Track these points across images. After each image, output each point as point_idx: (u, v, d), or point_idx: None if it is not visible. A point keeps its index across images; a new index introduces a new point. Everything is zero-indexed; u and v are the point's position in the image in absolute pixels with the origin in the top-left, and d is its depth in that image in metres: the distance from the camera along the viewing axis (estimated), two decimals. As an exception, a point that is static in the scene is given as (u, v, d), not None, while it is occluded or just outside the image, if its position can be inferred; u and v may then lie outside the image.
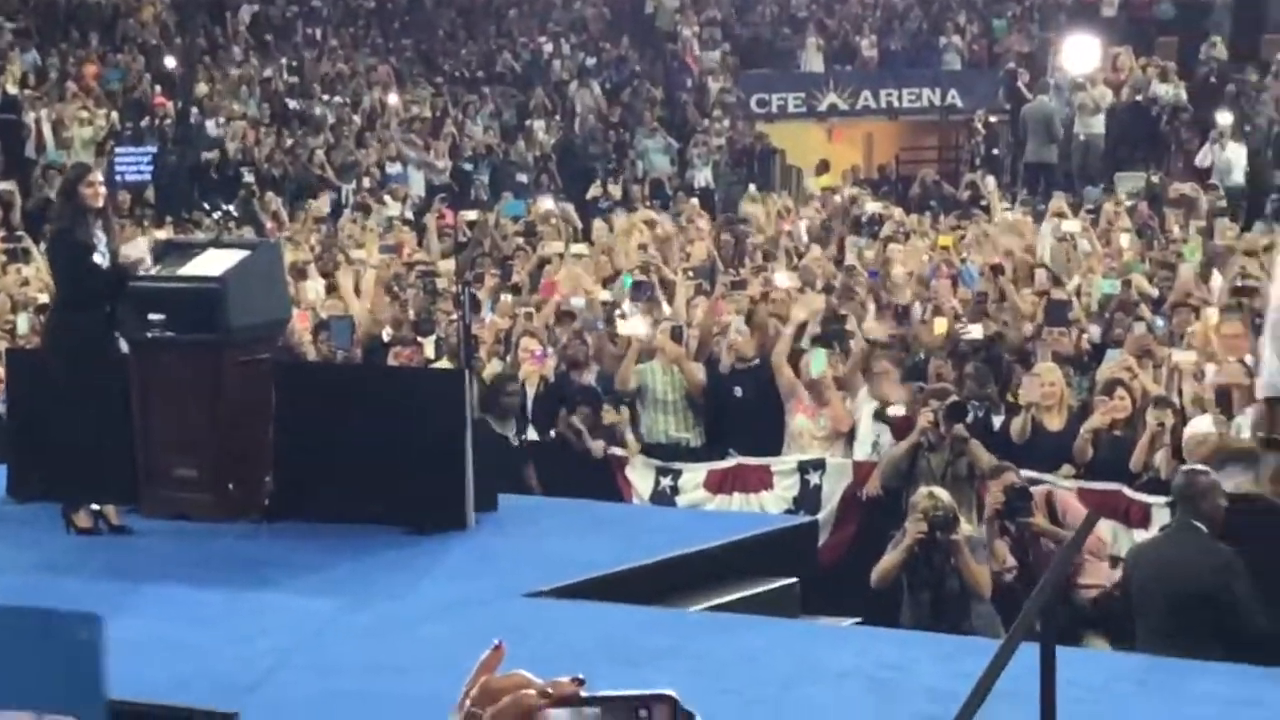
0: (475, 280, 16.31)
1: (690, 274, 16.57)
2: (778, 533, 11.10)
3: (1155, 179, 23.14)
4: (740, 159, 28.13)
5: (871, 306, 14.92)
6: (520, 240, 19.42)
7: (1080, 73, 26.58)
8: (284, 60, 30.65)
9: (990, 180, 24.21)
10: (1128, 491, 11.28)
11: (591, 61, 31.33)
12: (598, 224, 21.04)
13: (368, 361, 13.94)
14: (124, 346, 10.60)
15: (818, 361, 12.94)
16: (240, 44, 31.22)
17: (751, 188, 24.49)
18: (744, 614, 9.70)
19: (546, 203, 21.71)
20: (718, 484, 12.76)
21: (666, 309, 15.17)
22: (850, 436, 12.81)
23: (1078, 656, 7.72)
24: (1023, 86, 27.46)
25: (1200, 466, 9.81)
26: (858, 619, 10.24)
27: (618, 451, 13.05)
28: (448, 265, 17.44)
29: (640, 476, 12.83)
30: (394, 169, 26.32)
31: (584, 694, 1.98)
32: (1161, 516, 10.36)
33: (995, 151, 27.64)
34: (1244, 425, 10.89)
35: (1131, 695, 8.06)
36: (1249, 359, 11.35)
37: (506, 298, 15.78)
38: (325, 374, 12.58)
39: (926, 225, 20.61)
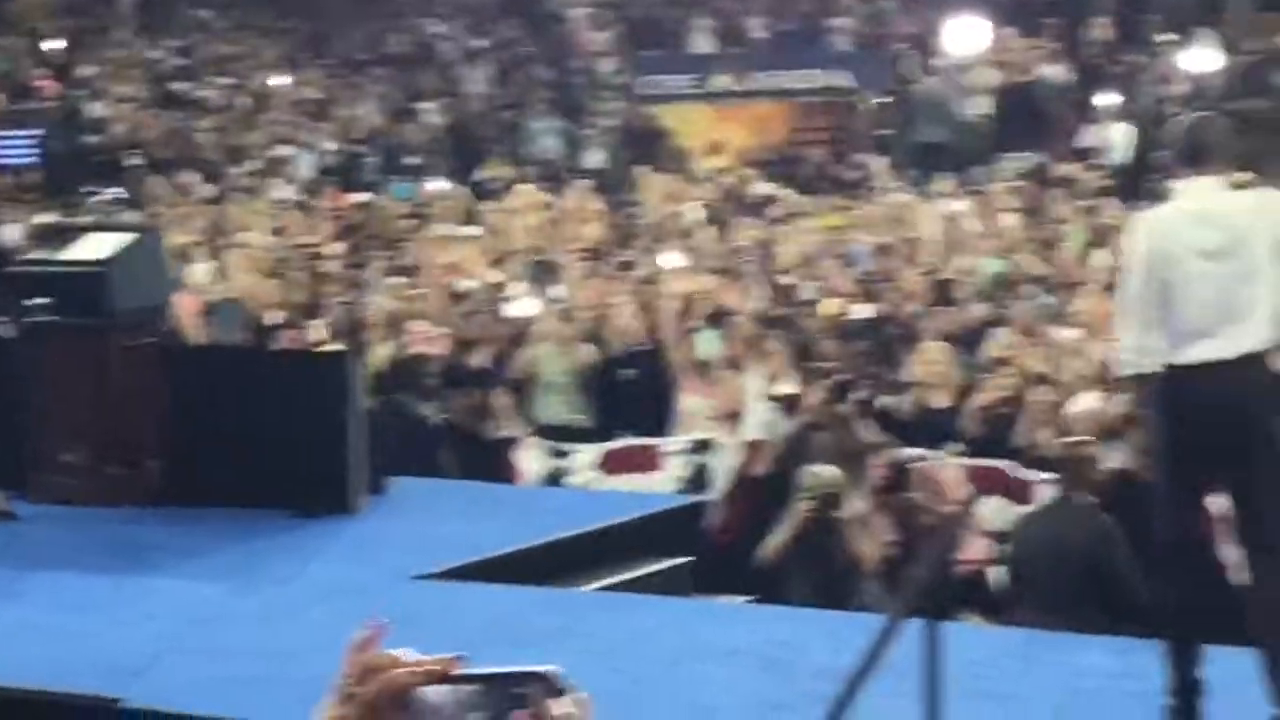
0: (364, 263, 16.25)
1: (581, 255, 16.56)
2: (668, 513, 11.14)
3: (1041, 159, 23.33)
4: (631, 140, 28.11)
5: (761, 287, 14.98)
6: (410, 222, 19.35)
7: (967, 54, 26.75)
8: (171, 42, 30.38)
9: (879, 161, 24.33)
10: (1011, 468, 11.39)
11: (481, 43, 31.23)
12: (488, 206, 20.99)
13: (255, 344, 13.86)
14: (6, 332, 10.51)
15: (707, 342, 12.98)
16: (127, 26, 30.90)
17: (642, 169, 24.49)
18: (636, 593, 9.74)
19: (436, 184, 21.63)
20: (609, 465, 12.77)
21: (557, 290, 15.17)
22: (740, 417, 12.85)
23: (961, 631, 7.79)
24: (911, 68, 27.61)
25: (1083, 440, 9.95)
26: (750, 597, 10.29)
27: (508, 433, 13.04)
28: (336, 248, 17.35)
29: (531, 458, 12.82)
30: (282, 151, 26.13)
31: (463, 671, 1.97)
32: (1044, 492, 10.47)
33: (885, 133, 27.75)
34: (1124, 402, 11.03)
35: (1014, 669, 8.16)
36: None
37: (396, 280, 15.71)
38: (211, 357, 12.49)
39: (816, 206, 20.69)
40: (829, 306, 14.02)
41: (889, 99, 28.18)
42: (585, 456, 12.82)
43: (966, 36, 27.01)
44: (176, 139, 26.48)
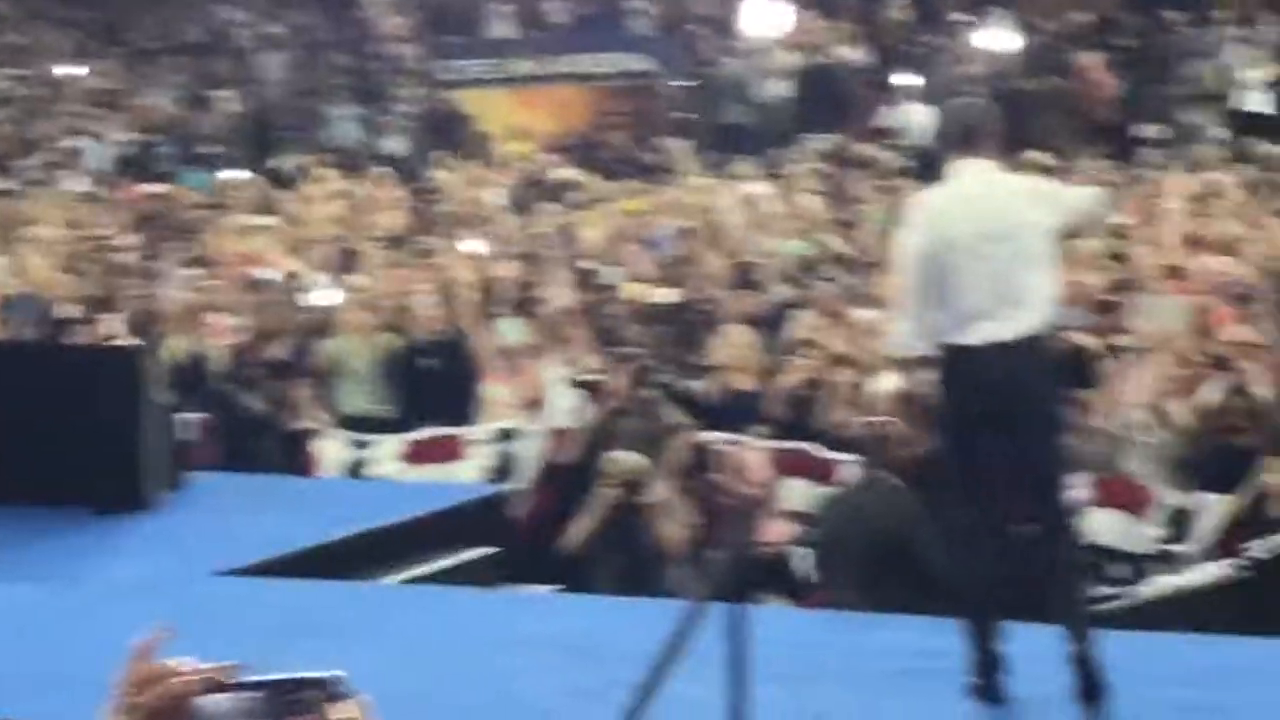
0: (160, 254, 15.99)
1: (381, 243, 16.42)
2: (474, 503, 11.09)
3: (841, 141, 23.50)
4: (431, 126, 27.95)
5: (563, 273, 14.94)
6: (206, 212, 19.08)
7: (767, 36, 26.90)
8: (-41, 32, 29.74)
9: (679, 144, 24.40)
10: (815, 449, 11.44)
11: (277, 29, 30.88)
12: (286, 195, 20.75)
13: (50, 339, 13.60)
14: None
15: (510, 329, 12.92)
16: (-88, 16, 30.20)
17: (442, 155, 24.36)
18: (442, 585, 9.67)
19: (232, 173, 21.36)
20: (411, 455, 12.66)
21: (357, 279, 15.02)
22: (543, 404, 12.80)
23: (765, 614, 7.81)
24: (711, 50, 27.71)
25: (887, 419, 10.02)
26: (558, 586, 10.26)
27: (307, 424, 12.88)
28: (131, 240, 17.06)
29: (331, 450, 12.67)
30: (75, 142, 25.68)
31: (243, 678, 1.96)
32: (848, 473, 10.53)
33: (686, 116, 27.82)
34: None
35: (818, 649, 8.20)
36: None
37: (192, 271, 15.47)
38: (3, 352, 12.25)
39: (617, 191, 20.69)
40: (632, 291, 14.02)
41: (690, 82, 28.26)
42: (388, 447, 12.69)
43: (766, 18, 27.13)
44: (-34, 131, 25.93)
